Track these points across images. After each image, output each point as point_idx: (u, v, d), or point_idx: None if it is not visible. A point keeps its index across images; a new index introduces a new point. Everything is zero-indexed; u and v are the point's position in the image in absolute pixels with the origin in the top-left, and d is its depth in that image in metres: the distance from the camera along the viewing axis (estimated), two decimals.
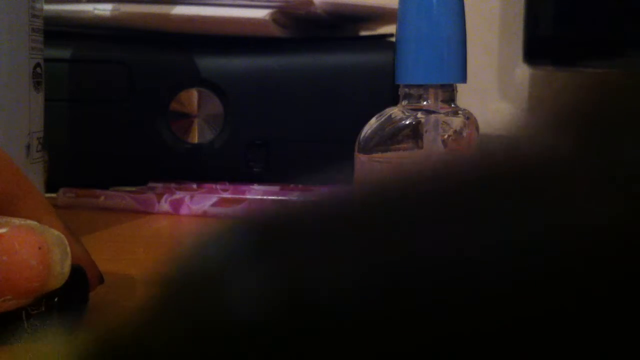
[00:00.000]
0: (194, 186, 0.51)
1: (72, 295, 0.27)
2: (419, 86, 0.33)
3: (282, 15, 0.52)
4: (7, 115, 0.36)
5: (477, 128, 0.34)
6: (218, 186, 0.51)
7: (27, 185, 0.27)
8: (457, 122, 0.33)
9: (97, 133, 0.53)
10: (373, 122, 0.33)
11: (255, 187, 0.51)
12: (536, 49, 0.88)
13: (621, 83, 0.12)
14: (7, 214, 0.25)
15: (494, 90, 0.96)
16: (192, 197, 0.48)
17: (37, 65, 0.38)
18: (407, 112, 0.33)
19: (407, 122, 0.33)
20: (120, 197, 0.49)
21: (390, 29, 0.58)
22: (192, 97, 0.53)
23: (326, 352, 0.09)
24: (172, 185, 0.52)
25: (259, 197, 0.49)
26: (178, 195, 0.48)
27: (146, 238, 0.43)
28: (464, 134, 0.33)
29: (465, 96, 0.38)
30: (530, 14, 0.88)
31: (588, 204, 0.09)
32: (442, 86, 0.33)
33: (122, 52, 0.53)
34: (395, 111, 0.33)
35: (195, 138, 0.53)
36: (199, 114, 0.53)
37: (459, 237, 0.10)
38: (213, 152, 0.53)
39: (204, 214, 0.47)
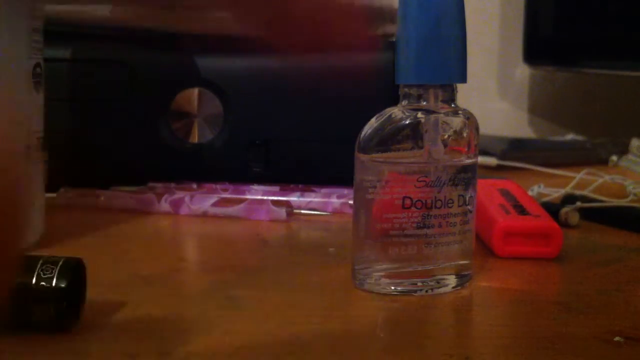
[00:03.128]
0: (194, 186, 0.51)
1: (71, 294, 0.27)
2: (419, 86, 0.33)
3: None
4: None
5: (477, 128, 0.34)
6: (218, 186, 0.51)
7: None
8: (457, 122, 0.33)
9: (97, 133, 0.53)
10: (373, 122, 0.33)
11: (255, 187, 0.51)
12: (536, 49, 0.88)
13: None
14: None
15: (494, 90, 0.96)
16: (192, 197, 0.48)
17: (37, 65, 0.38)
18: (407, 112, 0.33)
19: (407, 122, 0.32)
20: (120, 197, 0.49)
21: (390, 29, 0.58)
22: (192, 97, 0.53)
23: None
24: (172, 185, 0.52)
25: (259, 197, 0.49)
26: (178, 195, 0.48)
27: (146, 238, 0.43)
28: (464, 134, 0.33)
29: (465, 96, 0.38)
30: (530, 15, 0.87)
31: None
32: (442, 86, 0.33)
33: (122, 52, 0.53)
34: (395, 111, 0.33)
35: (195, 138, 0.53)
36: (199, 114, 0.53)
37: None
38: (213, 152, 0.53)
39: (204, 214, 0.47)
